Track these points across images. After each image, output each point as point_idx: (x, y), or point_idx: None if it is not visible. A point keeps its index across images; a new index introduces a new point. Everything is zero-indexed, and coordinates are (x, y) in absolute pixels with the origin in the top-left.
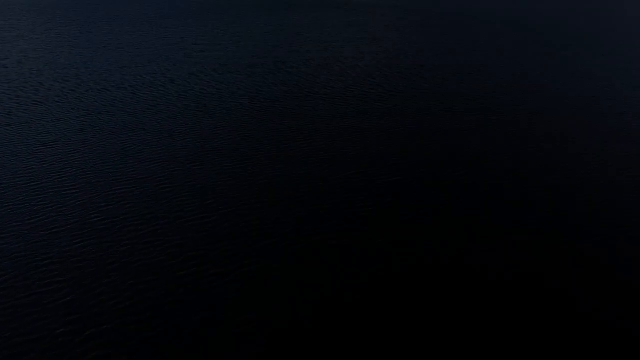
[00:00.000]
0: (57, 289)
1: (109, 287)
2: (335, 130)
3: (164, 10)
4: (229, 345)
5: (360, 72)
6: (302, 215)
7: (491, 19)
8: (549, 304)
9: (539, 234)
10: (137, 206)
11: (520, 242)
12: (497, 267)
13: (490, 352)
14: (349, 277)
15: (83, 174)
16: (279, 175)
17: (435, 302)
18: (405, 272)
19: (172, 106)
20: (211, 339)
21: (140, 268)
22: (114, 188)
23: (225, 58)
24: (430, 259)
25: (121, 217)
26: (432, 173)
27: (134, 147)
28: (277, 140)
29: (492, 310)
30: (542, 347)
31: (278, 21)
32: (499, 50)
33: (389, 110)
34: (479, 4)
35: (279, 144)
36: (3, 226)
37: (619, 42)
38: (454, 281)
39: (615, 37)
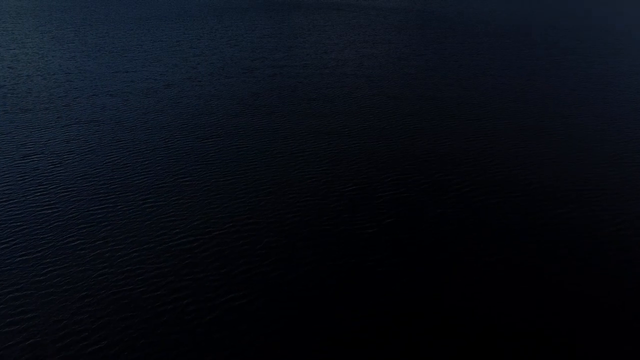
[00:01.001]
0: (21, 320)
1: (82, 321)
2: (335, 139)
3: (162, 13)
4: None
5: (361, 77)
6: (298, 236)
7: (496, 21)
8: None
9: (549, 256)
10: (120, 227)
11: (528, 270)
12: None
13: None
14: (346, 305)
15: (65, 190)
16: (275, 189)
17: (433, 332)
18: (407, 298)
19: (163, 114)
20: None
21: (118, 299)
22: (97, 205)
23: (222, 62)
24: (430, 285)
25: (102, 240)
26: (436, 186)
27: (120, 159)
28: (274, 151)
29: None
30: None
31: (277, 23)
32: (505, 54)
33: (392, 118)
34: (483, 6)
35: (276, 154)
36: None
37: (629, 45)
38: (457, 308)
39: (625, 39)
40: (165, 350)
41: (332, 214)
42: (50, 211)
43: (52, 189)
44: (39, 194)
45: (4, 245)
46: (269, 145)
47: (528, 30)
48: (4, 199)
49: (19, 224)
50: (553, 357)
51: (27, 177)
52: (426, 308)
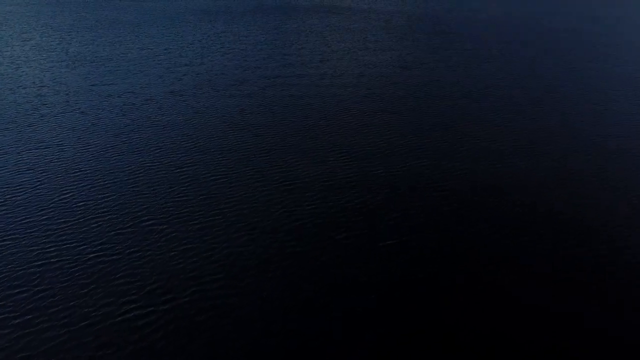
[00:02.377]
0: None
1: None
2: (331, 163)
3: (155, 17)
4: None
5: (362, 89)
6: (291, 262)
7: (506, 25)
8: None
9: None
10: (83, 267)
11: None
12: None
13: None
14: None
15: (8, 234)
16: (262, 224)
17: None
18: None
19: (137, 135)
20: None
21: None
22: (43, 257)
23: (210, 73)
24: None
25: (43, 305)
26: (443, 208)
27: (79, 195)
28: (261, 180)
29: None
30: None
31: (273, 29)
32: (518, 62)
33: (396, 137)
34: (491, 8)
35: (263, 184)
36: None
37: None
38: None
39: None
40: None
41: (328, 244)
42: (5, 248)
43: (7, 224)
44: None
45: None
46: (255, 174)
47: (542, 35)
48: None
49: None
50: None
51: None
52: (432, 333)
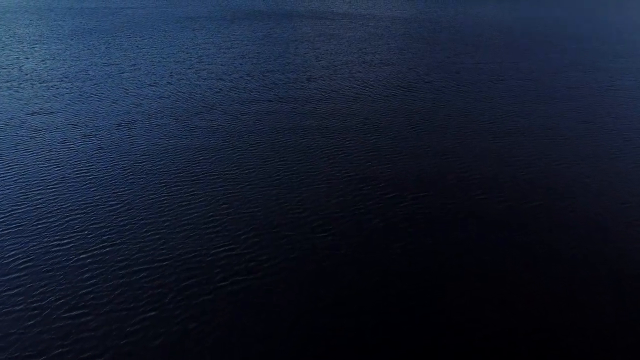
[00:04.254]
0: None
1: None
2: (313, 223)
3: (134, 26)
4: None
5: (356, 119)
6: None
7: (518, 30)
8: None
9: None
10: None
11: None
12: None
13: None
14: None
15: None
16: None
17: None
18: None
19: (59, 186)
20: None
21: None
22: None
23: (175, 96)
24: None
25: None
26: (439, 226)
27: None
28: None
29: None
30: None
31: (260, 39)
32: (538, 80)
33: (394, 161)
34: (498, 16)
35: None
36: None
37: None
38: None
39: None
40: None
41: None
42: None
43: None
44: None
45: None
46: (216, 247)
47: (559, 42)
48: None
49: None
50: None
51: None
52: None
